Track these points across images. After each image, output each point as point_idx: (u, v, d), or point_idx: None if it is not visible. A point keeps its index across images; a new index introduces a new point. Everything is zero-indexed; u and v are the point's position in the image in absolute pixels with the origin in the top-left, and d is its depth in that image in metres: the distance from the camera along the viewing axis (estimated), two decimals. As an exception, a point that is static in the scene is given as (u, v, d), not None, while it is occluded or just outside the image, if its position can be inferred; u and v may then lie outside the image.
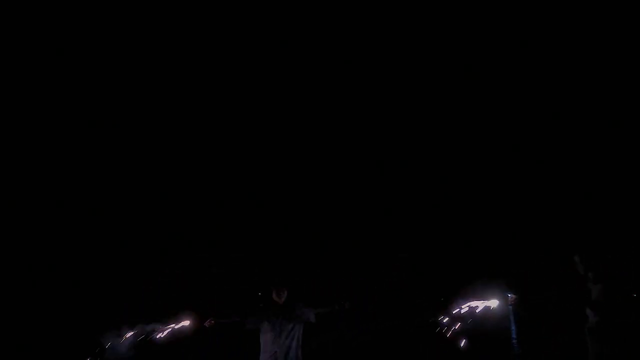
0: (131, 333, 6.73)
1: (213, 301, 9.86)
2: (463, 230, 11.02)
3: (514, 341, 9.31)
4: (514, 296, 7.25)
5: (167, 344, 6.89)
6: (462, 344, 6.97)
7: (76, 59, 10.23)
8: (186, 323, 6.89)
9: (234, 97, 10.89)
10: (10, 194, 10.00)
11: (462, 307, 7.06)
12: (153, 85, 10.66)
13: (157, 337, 6.76)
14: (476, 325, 7.06)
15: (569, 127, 10.51)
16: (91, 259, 10.35)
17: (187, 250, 10.66)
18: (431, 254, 10.89)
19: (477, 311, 7.02)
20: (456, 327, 6.95)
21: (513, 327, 9.26)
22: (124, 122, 10.75)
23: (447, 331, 6.99)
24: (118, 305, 10.01)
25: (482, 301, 7.09)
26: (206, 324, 6.85)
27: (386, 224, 11.00)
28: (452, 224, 11.14)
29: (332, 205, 11.02)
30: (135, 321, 6.89)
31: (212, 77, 10.86)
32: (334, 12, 10.22)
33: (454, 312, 7.04)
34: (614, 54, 9.91)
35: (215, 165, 10.95)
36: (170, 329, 6.83)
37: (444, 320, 7.10)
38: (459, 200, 11.10)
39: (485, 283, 7.30)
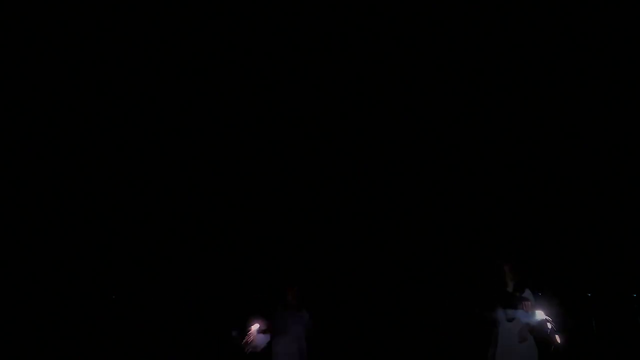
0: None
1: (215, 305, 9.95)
2: (463, 228, 11.08)
3: None
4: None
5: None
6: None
7: (76, 58, 10.23)
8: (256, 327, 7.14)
9: (235, 97, 10.91)
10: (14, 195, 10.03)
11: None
12: (152, 86, 10.67)
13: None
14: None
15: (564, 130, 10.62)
16: (92, 260, 10.37)
17: (187, 251, 10.68)
18: (433, 253, 10.96)
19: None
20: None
21: None
22: (124, 123, 10.76)
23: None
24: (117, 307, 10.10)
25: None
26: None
27: (389, 224, 11.04)
28: (451, 222, 11.18)
29: (335, 205, 11.06)
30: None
31: (211, 78, 10.87)
32: (334, 12, 10.24)
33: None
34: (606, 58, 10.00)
35: (216, 166, 10.97)
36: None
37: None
38: (458, 199, 11.14)
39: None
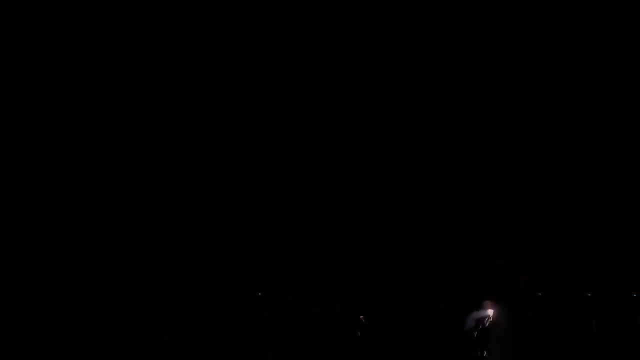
0: None
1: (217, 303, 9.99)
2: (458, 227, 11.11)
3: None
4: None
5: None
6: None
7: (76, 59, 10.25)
8: None
9: (235, 97, 10.93)
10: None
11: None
12: (152, 86, 10.69)
13: None
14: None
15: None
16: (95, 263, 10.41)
17: (187, 252, 10.70)
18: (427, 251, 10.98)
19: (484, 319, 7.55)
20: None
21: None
22: (124, 123, 10.78)
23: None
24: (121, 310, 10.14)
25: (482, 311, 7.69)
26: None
27: (386, 224, 11.06)
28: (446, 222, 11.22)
29: (335, 205, 11.07)
30: None
31: (210, 79, 10.89)
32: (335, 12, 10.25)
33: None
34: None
35: (217, 168, 10.99)
36: None
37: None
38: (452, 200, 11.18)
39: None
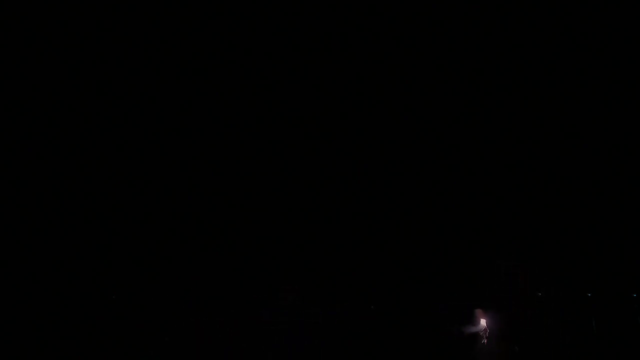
0: None
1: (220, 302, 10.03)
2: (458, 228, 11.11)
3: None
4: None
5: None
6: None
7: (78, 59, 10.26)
8: None
9: (235, 97, 10.93)
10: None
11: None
12: (152, 86, 10.70)
13: None
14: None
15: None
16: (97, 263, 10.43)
17: (187, 252, 10.70)
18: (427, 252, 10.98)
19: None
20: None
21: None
22: (124, 123, 10.78)
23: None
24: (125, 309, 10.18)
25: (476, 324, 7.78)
26: None
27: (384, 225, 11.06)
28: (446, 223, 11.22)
29: (335, 205, 11.07)
30: None
31: (211, 79, 10.89)
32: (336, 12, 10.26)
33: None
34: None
35: (217, 168, 10.99)
36: None
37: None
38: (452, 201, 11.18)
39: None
